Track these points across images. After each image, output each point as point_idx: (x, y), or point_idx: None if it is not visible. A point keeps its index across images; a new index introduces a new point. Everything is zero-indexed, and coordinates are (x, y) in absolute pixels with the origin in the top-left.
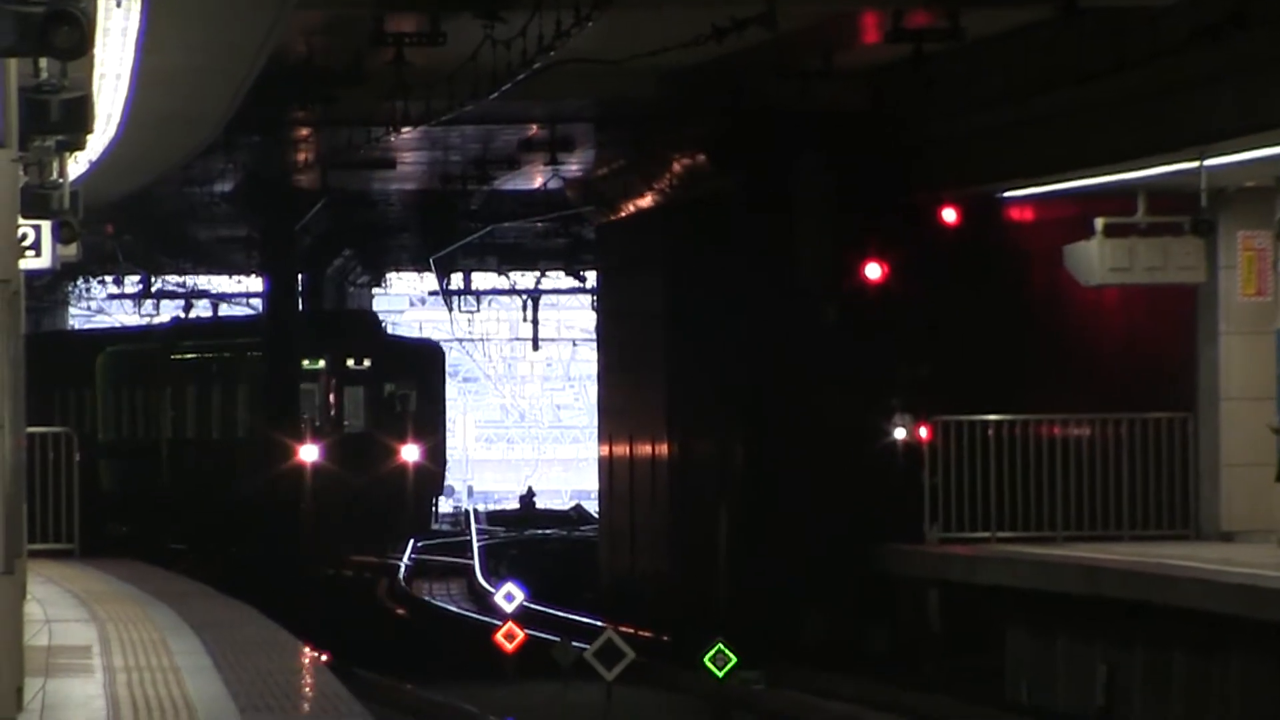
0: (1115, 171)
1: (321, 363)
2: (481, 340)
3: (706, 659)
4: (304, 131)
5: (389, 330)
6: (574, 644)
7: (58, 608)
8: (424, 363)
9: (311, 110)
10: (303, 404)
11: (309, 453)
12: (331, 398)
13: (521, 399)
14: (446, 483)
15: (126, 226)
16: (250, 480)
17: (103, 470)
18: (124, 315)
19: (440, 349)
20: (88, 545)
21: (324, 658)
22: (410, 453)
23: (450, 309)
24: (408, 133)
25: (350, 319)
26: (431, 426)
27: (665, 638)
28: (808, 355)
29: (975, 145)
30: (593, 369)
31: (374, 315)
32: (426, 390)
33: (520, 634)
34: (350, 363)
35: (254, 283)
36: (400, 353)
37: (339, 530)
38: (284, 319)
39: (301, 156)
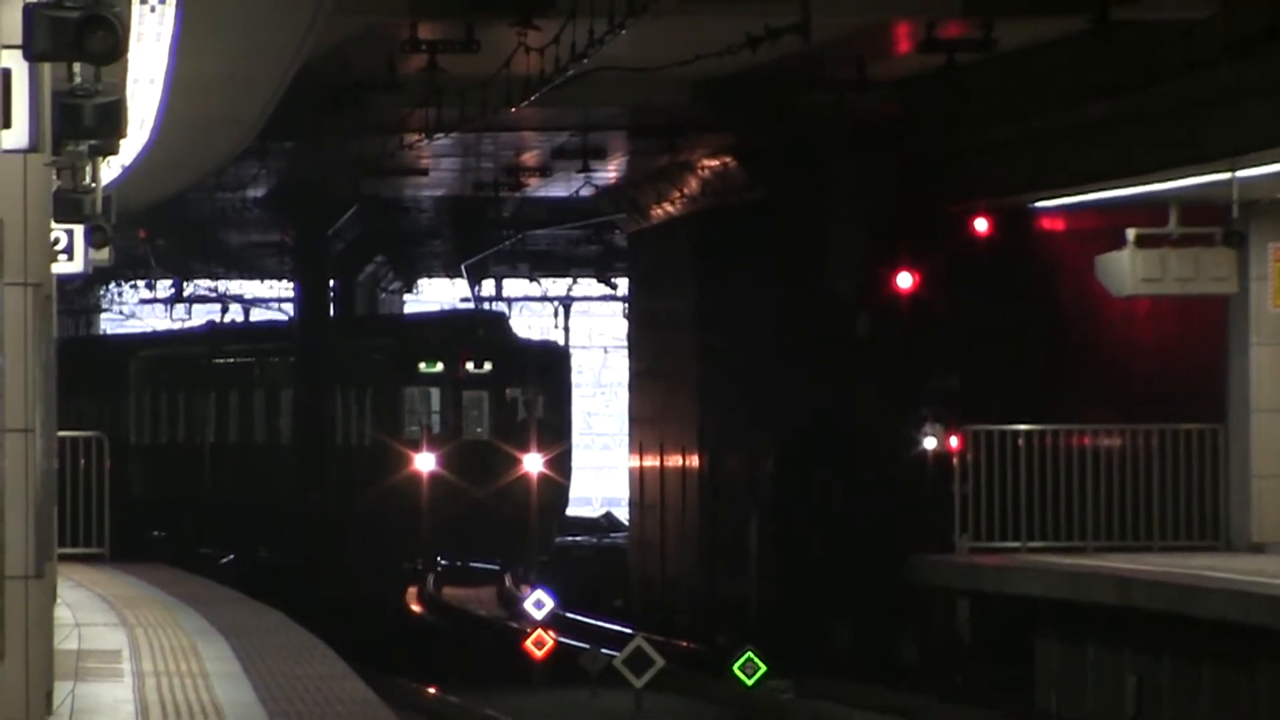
0: (1147, 182)
1: (440, 365)
2: None
3: (736, 667)
4: (337, 138)
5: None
6: (603, 651)
7: (87, 612)
8: (549, 366)
9: (345, 116)
10: (419, 409)
11: (425, 462)
12: (450, 403)
13: None
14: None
15: (159, 231)
16: (361, 491)
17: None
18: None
19: (566, 352)
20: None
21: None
22: (533, 463)
23: None
24: (440, 139)
25: (471, 319)
26: (556, 435)
27: (695, 645)
28: (839, 364)
29: (1007, 156)
30: (623, 376)
31: (499, 315)
32: (551, 396)
33: (550, 641)
34: (470, 366)
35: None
36: (524, 355)
37: (456, 544)
38: (412, 320)
39: (334, 163)
